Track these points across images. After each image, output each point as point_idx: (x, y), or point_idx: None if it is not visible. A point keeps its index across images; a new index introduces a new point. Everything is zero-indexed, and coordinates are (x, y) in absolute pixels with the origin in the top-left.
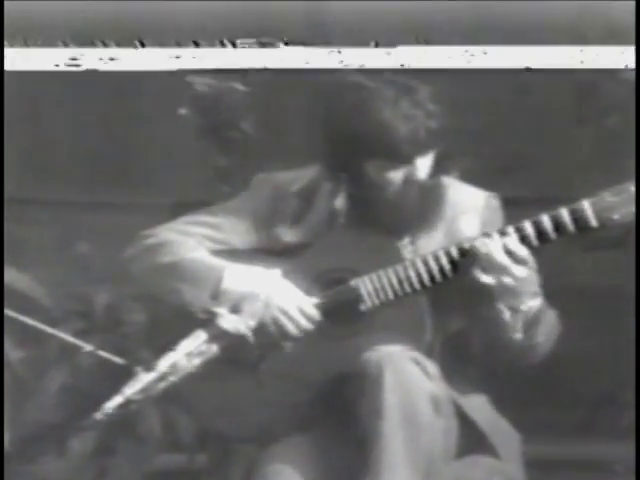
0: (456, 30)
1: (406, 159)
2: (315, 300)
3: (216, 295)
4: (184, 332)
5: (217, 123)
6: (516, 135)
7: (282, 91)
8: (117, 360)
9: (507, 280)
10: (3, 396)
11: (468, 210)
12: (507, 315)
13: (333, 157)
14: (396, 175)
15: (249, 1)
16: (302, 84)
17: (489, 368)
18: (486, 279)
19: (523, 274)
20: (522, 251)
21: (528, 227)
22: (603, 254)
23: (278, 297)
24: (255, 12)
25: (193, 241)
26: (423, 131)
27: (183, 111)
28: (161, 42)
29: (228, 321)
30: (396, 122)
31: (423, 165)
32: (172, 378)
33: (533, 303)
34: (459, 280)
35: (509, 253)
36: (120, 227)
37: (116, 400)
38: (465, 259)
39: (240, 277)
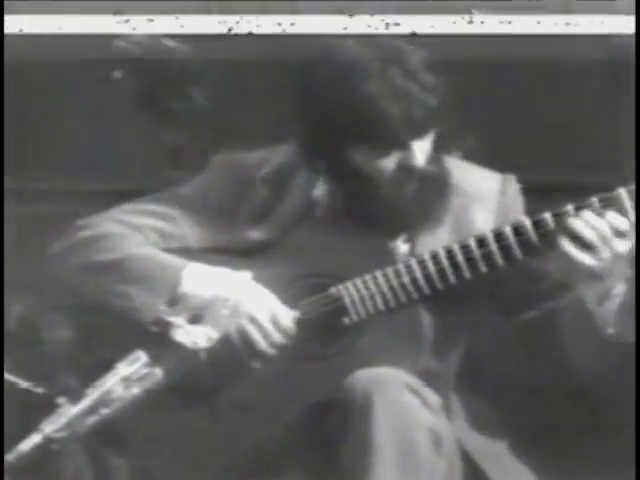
0: None
1: (398, 144)
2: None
3: (173, 301)
4: (120, 352)
5: (158, 90)
6: (533, 108)
7: (239, 49)
8: (34, 388)
9: (606, 255)
10: (3, 396)
11: (480, 198)
12: (593, 304)
13: (308, 142)
14: (387, 163)
15: None
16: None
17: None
18: (583, 257)
19: (624, 249)
20: (622, 223)
21: (549, 221)
22: None
23: (248, 304)
24: None
25: (139, 235)
26: (419, 109)
27: (118, 74)
28: None
29: (185, 333)
30: (384, 99)
31: (421, 149)
32: (105, 410)
33: (622, 286)
34: (476, 283)
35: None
36: (41, 218)
37: (33, 439)
38: (476, 259)
39: (202, 279)
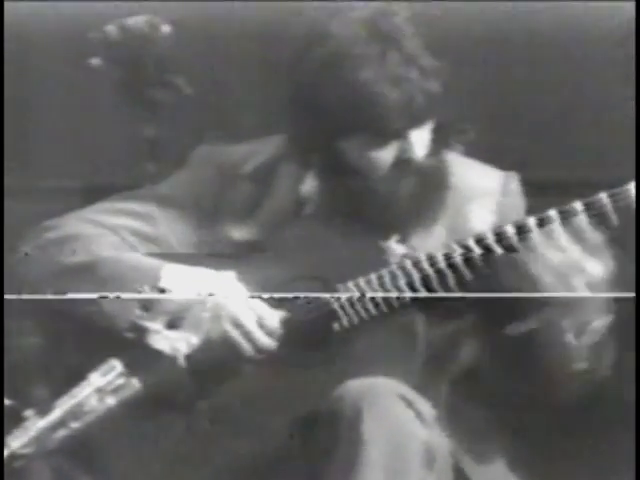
0: None
1: (396, 133)
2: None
3: (148, 304)
4: (93, 360)
5: (139, 78)
6: (539, 97)
7: (225, 35)
8: None
9: (577, 282)
10: (3, 398)
11: (479, 196)
12: (571, 336)
13: (298, 133)
14: (384, 155)
15: None
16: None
17: (519, 411)
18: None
19: (600, 272)
20: (595, 237)
21: (555, 219)
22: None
23: (231, 306)
24: None
25: (113, 236)
26: (419, 96)
27: (96, 61)
28: None
29: (163, 339)
30: (382, 85)
31: (420, 139)
32: (76, 424)
33: (604, 321)
34: (472, 289)
35: (579, 238)
36: (8, 218)
37: None
38: (477, 260)
39: (181, 280)
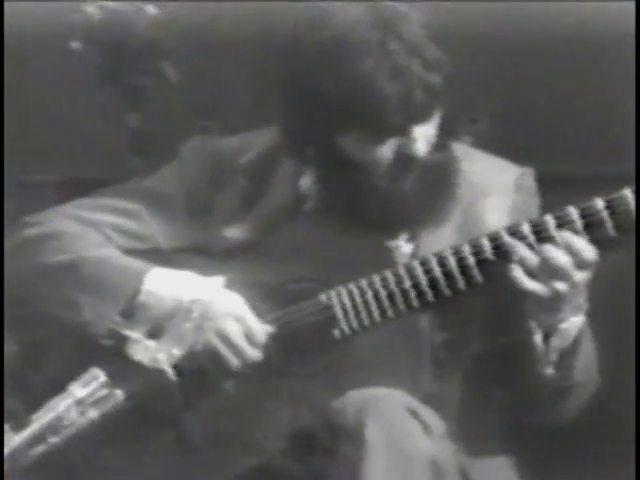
0: None
1: (395, 129)
2: (270, 322)
3: (130, 311)
4: (74, 370)
5: (122, 63)
6: (551, 85)
7: (216, 18)
8: None
9: (561, 287)
10: (3, 399)
11: (492, 192)
12: (539, 338)
13: (294, 125)
14: (383, 151)
15: None
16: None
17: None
18: (533, 286)
19: (583, 279)
20: (588, 251)
21: (574, 216)
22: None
23: (217, 315)
24: None
25: (97, 234)
26: (420, 91)
27: (76, 45)
28: None
29: (143, 349)
30: (381, 77)
31: (423, 135)
32: (54, 439)
33: (575, 320)
34: (480, 291)
35: (570, 251)
36: None
37: None
38: (489, 261)
39: (165, 286)
